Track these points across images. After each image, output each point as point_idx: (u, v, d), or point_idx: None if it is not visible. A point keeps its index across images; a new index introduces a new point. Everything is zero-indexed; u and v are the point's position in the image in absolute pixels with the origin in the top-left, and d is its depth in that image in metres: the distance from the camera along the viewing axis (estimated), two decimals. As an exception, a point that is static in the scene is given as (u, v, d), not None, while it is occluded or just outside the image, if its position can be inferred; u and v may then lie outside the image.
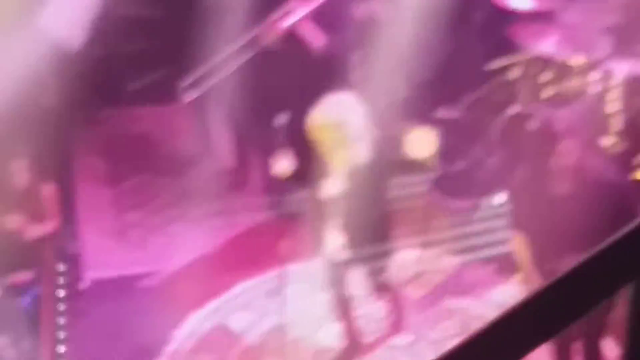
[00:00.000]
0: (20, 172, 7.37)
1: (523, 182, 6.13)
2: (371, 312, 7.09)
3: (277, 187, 8.12)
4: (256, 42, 7.41)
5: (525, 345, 1.79)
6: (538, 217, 5.83)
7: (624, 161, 7.22)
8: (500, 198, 7.76)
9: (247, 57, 7.49)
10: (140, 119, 9.36)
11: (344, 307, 6.71)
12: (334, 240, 6.28)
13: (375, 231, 6.24)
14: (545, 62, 7.85)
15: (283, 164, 6.33)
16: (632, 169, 7.37)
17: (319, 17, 7.23)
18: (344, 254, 6.31)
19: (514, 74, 8.22)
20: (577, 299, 1.74)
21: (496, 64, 8.52)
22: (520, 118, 7.69)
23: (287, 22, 7.25)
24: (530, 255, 5.93)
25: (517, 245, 6.06)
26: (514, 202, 6.39)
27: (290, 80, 7.39)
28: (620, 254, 1.72)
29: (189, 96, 7.96)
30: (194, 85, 7.87)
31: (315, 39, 7.18)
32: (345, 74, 7.62)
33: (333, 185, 6.07)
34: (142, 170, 8.81)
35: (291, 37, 7.25)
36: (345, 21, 7.42)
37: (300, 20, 7.22)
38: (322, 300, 7.30)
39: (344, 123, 5.96)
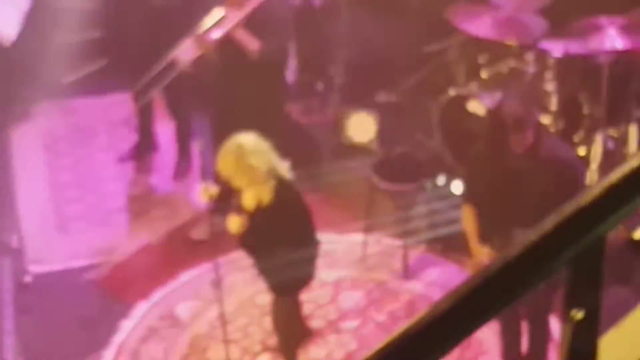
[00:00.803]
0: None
1: (473, 159, 6.26)
2: (317, 296, 7.23)
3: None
4: (189, 51, 7.48)
5: (471, 325, 1.81)
6: (489, 192, 5.98)
7: (563, 139, 7.41)
8: (442, 180, 7.92)
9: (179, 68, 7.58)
10: (77, 111, 9.39)
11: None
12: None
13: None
14: (481, 44, 7.98)
15: (206, 192, 6.40)
16: (571, 146, 7.57)
17: (252, 22, 7.30)
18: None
19: (451, 56, 8.37)
20: (518, 280, 1.79)
21: (433, 46, 8.68)
22: (459, 99, 7.82)
23: (221, 30, 7.31)
24: (479, 229, 6.07)
25: (466, 218, 6.18)
26: (464, 177, 6.54)
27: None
28: (558, 235, 1.79)
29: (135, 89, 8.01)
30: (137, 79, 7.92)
31: (250, 44, 7.26)
32: (281, 77, 7.75)
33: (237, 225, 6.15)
34: (81, 162, 8.85)
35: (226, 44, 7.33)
36: (279, 22, 7.49)
37: (234, 27, 7.28)
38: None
39: (247, 166, 5.99)
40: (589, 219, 1.82)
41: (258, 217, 6.03)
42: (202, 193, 6.39)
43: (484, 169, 6.01)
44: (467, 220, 6.15)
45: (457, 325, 1.80)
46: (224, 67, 7.42)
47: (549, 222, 1.80)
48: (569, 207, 1.79)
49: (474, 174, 6.20)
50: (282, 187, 6.02)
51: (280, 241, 6.11)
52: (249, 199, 6.05)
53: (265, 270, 6.32)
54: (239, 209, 6.09)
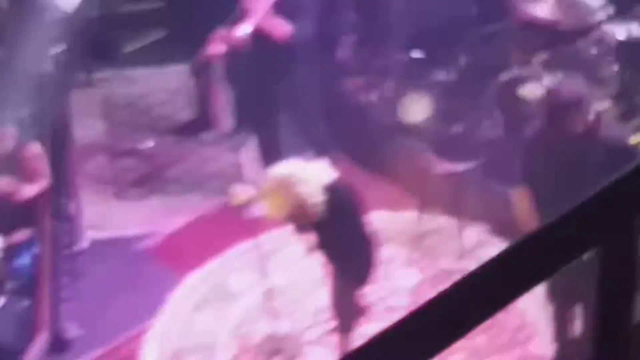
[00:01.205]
0: (6, 137, 7.47)
1: (530, 140, 6.25)
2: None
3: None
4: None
5: (500, 300, 1.81)
6: (545, 173, 5.96)
7: (620, 124, 7.36)
8: (497, 160, 7.89)
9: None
10: (136, 80, 9.48)
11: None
12: None
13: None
14: (539, 27, 7.92)
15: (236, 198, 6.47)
16: (628, 132, 7.50)
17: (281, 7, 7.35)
18: None
19: (510, 36, 8.31)
20: (546, 258, 1.79)
21: (491, 27, 8.63)
22: (517, 81, 7.78)
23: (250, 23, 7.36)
24: (532, 211, 6.05)
25: (520, 200, 6.16)
26: (519, 159, 6.52)
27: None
28: (591, 212, 1.80)
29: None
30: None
31: (282, 31, 7.30)
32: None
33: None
34: (139, 131, 8.95)
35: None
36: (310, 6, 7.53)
37: (264, 15, 7.32)
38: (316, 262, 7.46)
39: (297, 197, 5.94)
40: (623, 197, 1.81)
41: (321, 230, 6.06)
42: (232, 198, 6.43)
43: (540, 150, 6.00)
44: (521, 202, 6.14)
45: (487, 299, 1.81)
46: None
47: (584, 199, 1.81)
48: (605, 185, 1.79)
49: (530, 154, 6.18)
50: (332, 195, 6.02)
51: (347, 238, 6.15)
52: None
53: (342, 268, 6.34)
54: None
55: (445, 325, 1.83)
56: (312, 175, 5.96)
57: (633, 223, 1.79)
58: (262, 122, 7.97)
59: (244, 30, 7.29)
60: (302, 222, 6.00)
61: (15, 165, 7.34)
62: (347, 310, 6.62)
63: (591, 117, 5.74)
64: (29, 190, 7.36)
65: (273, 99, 7.91)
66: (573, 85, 5.88)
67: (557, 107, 5.78)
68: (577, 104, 5.68)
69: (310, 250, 6.19)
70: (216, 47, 7.54)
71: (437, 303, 1.84)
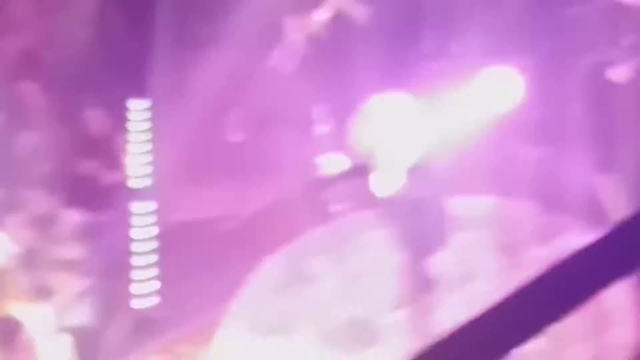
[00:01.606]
0: (95, 121, 7.57)
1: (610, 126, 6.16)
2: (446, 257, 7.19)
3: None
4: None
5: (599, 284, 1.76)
6: (632, 160, 5.87)
7: None
8: (579, 146, 7.79)
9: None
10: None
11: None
12: None
13: None
14: (625, 9, 7.81)
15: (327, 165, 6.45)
16: None
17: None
18: None
19: (593, 20, 8.19)
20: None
21: (575, 11, 8.51)
22: (600, 66, 7.68)
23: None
24: (622, 197, 5.97)
25: (610, 187, 6.08)
26: (605, 145, 6.43)
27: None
28: None
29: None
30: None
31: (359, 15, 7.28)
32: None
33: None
34: (219, 117, 8.94)
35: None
36: None
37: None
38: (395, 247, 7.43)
39: (394, 124, 5.94)
40: None
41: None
42: (324, 165, 6.40)
43: (623, 136, 5.90)
44: (605, 185, 6.06)
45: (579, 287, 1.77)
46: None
47: None
48: None
49: (612, 139, 6.09)
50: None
51: None
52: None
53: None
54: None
55: (532, 315, 1.80)
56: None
57: None
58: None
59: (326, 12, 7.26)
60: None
61: (101, 149, 7.42)
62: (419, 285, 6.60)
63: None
64: (114, 175, 7.42)
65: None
66: None
67: None
68: None
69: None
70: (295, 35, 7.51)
71: (522, 294, 1.80)
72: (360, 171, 6.40)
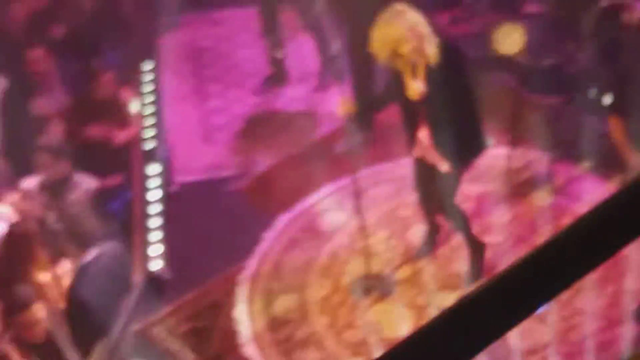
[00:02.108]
0: (103, 82, 7.56)
1: (624, 68, 6.05)
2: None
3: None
4: None
5: (567, 277, 1.72)
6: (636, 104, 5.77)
7: None
8: (592, 93, 7.69)
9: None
10: (223, 21, 9.43)
11: (432, 205, 6.77)
12: (422, 141, 6.30)
13: (463, 129, 6.23)
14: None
15: (344, 105, 6.43)
16: None
17: None
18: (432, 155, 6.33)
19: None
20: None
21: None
22: (613, 9, 7.55)
23: None
24: (626, 139, 5.88)
25: (615, 129, 5.98)
26: (614, 87, 6.31)
27: None
28: None
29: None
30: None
31: None
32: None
33: (416, 89, 6.08)
34: (226, 73, 8.91)
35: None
36: None
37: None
38: (408, 201, 7.38)
39: (413, 27, 5.94)
40: None
41: (431, 80, 5.99)
42: (342, 105, 6.39)
43: (634, 78, 5.80)
44: (617, 131, 5.95)
45: (598, 246, 1.72)
46: None
47: None
48: None
49: (625, 83, 5.98)
50: (447, 48, 6.02)
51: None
52: (419, 65, 6.00)
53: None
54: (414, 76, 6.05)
55: (536, 284, 1.72)
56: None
57: None
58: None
59: None
60: (413, 61, 5.94)
61: (111, 110, 7.43)
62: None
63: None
64: (124, 135, 7.44)
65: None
66: None
67: None
68: None
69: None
70: None
71: (527, 260, 1.71)
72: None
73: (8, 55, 7.73)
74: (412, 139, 6.34)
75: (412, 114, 6.17)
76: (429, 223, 6.87)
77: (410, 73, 6.01)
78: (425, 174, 6.51)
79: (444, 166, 6.17)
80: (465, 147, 6.15)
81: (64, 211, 6.85)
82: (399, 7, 5.98)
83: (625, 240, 1.72)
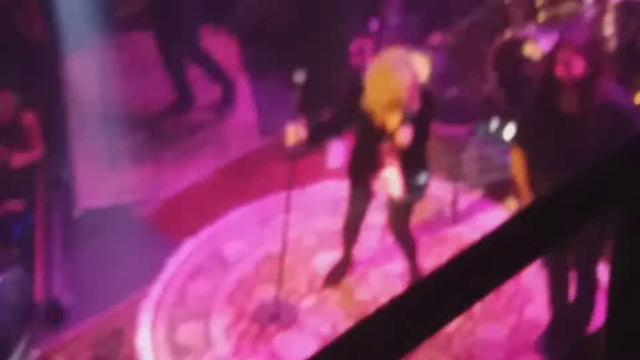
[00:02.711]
0: (5, 102, 7.42)
1: (526, 101, 6.10)
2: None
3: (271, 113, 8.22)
4: None
5: (513, 265, 1.75)
6: (540, 136, 5.82)
7: (620, 83, 7.24)
8: (495, 124, 7.80)
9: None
10: (129, 46, 9.38)
11: (352, 230, 6.82)
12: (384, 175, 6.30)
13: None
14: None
15: (295, 133, 6.29)
16: (628, 91, 7.41)
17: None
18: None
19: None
20: (561, 219, 1.71)
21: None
22: (515, 42, 7.70)
23: None
24: (529, 174, 5.94)
25: (516, 162, 6.04)
26: (517, 120, 6.38)
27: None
28: (606, 176, 1.72)
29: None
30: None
31: None
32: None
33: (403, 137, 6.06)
34: (134, 98, 8.85)
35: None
36: None
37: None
38: (314, 228, 7.39)
39: (416, 80, 5.93)
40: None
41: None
42: (290, 135, 6.23)
43: (536, 112, 5.86)
44: (517, 164, 6.01)
45: (501, 264, 1.74)
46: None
47: (603, 159, 1.72)
48: (626, 144, 1.69)
49: (527, 116, 6.04)
50: (426, 92, 6.04)
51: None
52: (393, 116, 5.94)
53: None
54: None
55: (450, 297, 1.75)
56: (420, 62, 5.97)
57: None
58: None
59: None
60: (401, 109, 5.90)
61: (11, 132, 7.31)
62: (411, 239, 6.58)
63: (589, 77, 5.57)
64: (24, 158, 7.33)
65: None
66: (571, 44, 5.67)
67: (553, 67, 5.62)
68: (589, 47, 5.53)
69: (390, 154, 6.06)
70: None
71: (441, 274, 1.74)
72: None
73: None
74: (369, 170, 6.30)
75: (376, 149, 6.14)
76: (346, 251, 6.89)
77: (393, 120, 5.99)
78: (360, 201, 6.52)
79: (397, 194, 6.18)
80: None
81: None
82: (399, 53, 5.95)
83: (517, 265, 1.76)
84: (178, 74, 8.59)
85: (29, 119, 7.37)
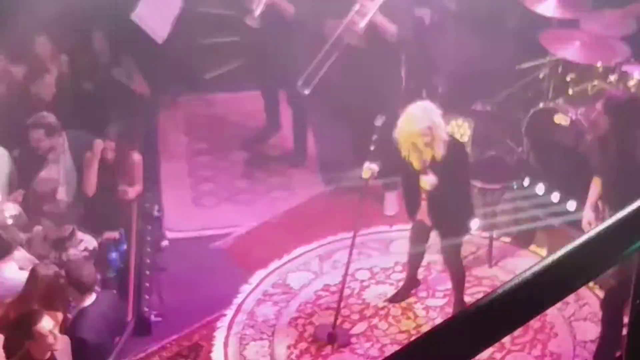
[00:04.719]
0: (110, 148, 7.57)
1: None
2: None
3: (332, 166, 8.33)
4: (340, 41, 7.56)
5: (540, 305, 1.75)
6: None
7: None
8: (526, 182, 7.85)
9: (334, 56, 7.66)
10: (215, 103, 9.56)
11: (414, 263, 7.05)
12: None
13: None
14: (570, 65, 7.87)
15: (371, 168, 6.57)
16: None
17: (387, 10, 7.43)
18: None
19: (542, 73, 8.27)
20: (588, 262, 1.73)
21: (527, 64, 8.58)
22: (547, 112, 7.74)
23: (364, 20, 7.37)
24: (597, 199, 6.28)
25: (594, 186, 6.34)
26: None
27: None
28: (632, 222, 1.73)
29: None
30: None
31: (389, 30, 7.37)
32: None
33: (428, 182, 6.32)
34: (216, 147, 9.02)
35: (369, 32, 7.41)
36: (408, 11, 7.62)
37: (374, 15, 7.37)
38: (366, 265, 7.50)
39: (432, 127, 6.19)
40: None
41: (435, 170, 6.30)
42: (365, 171, 6.53)
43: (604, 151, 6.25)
44: (593, 189, 6.43)
45: (529, 303, 1.75)
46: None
47: (625, 211, 1.74)
48: None
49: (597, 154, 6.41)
50: (455, 144, 6.38)
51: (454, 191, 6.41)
52: (426, 155, 6.28)
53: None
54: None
55: (485, 328, 1.75)
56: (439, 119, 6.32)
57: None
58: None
59: (362, 23, 7.33)
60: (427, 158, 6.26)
61: (119, 169, 7.42)
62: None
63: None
64: (134, 192, 7.44)
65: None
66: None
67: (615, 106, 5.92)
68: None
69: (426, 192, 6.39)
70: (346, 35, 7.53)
71: (478, 309, 1.76)
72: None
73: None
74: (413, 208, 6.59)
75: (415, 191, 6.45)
76: (409, 279, 7.00)
77: (418, 163, 6.27)
78: (421, 236, 6.76)
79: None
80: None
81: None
82: (425, 105, 6.29)
83: (543, 305, 1.78)
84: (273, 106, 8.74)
85: (136, 158, 7.51)
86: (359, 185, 6.78)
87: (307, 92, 7.84)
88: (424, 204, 6.51)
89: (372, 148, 6.58)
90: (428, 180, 6.31)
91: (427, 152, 6.25)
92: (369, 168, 6.55)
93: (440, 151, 6.22)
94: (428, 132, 6.18)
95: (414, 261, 7.03)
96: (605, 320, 6.30)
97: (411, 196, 6.59)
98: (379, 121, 6.65)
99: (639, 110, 6.39)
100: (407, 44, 7.60)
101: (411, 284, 7.14)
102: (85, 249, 6.90)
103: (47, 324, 5.76)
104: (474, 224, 6.91)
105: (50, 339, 5.68)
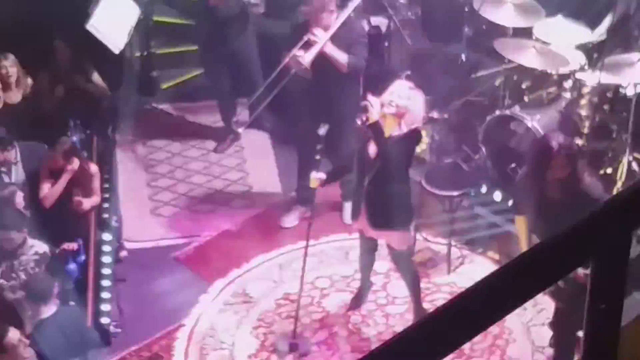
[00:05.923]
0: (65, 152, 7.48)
1: (520, 183, 6.31)
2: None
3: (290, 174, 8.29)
4: (286, 70, 7.53)
5: (498, 311, 1.79)
6: (534, 210, 5.98)
7: (592, 159, 7.38)
8: (484, 189, 7.89)
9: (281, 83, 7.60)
10: (174, 112, 9.49)
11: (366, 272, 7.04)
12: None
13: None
14: (525, 72, 7.95)
15: (319, 177, 6.56)
16: (599, 166, 7.53)
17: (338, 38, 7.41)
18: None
19: (498, 81, 8.34)
20: (545, 268, 1.76)
21: (483, 72, 8.65)
22: (503, 119, 7.80)
23: (314, 50, 7.36)
24: (528, 236, 6.10)
25: (519, 226, 6.24)
26: (516, 193, 6.57)
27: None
28: (587, 228, 1.78)
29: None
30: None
31: (339, 60, 7.36)
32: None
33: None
34: (174, 157, 8.95)
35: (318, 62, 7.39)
36: (360, 38, 7.57)
37: (324, 45, 7.35)
38: (326, 273, 7.49)
39: (407, 104, 6.25)
40: (617, 215, 1.79)
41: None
42: (312, 181, 6.51)
43: (528, 193, 6.00)
44: (520, 228, 6.19)
45: (487, 310, 1.78)
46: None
47: (580, 218, 1.78)
48: (601, 205, 1.77)
49: (521, 194, 6.21)
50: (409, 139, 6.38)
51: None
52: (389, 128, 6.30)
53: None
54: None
55: (444, 336, 1.79)
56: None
57: (628, 238, 1.76)
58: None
59: (309, 55, 7.30)
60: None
61: (78, 180, 7.34)
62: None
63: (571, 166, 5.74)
64: (90, 203, 7.37)
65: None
66: (557, 135, 5.89)
67: (542, 156, 5.79)
68: (560, 154, 5.70)
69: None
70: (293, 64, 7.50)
71: (437, 317, 1.80)
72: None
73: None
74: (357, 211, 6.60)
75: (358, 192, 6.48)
76: (363, 283, 7.02)
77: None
78: (368, 244, 6.78)
79: None
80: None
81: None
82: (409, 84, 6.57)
83: (502, 311, 1.81)
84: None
85: (93, 169, 7.45)
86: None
87: (240, 130, 7.99)
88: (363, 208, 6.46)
89: (317, 157, 6.61)
90: (315, 176, 6.45)
91: (391, 126, 6.27)
92: (316, 177, 6.55)
93: (401, 130, 6.23)
94: (401, 104, 6.23)
95: (365, 270, 7.07)
96: (556, 341, 6.34)
97: (356, 197, 6.58)
98: (322, 130, 6.64)
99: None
100: (359, 69, 7.57)
101: (364, 291, 7.16)
102: (36, 253, 6.83)
103: (14, 334, 5.70)
104: (415, 228, 6.91)
105: (21, 348, 5.63)
